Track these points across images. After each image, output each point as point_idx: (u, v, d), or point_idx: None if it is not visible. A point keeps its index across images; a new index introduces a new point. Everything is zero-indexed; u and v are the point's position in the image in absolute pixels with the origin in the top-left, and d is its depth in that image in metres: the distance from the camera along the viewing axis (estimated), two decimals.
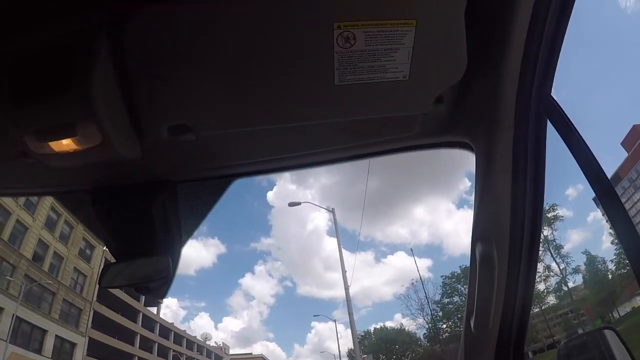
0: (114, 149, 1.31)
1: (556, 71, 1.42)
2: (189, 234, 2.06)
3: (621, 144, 42.74)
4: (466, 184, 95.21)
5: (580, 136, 1.41)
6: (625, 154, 42.77)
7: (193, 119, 1.42)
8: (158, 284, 2.01)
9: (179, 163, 1.77)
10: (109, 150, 1.31)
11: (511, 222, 1.64)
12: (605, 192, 1.36)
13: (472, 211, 1.88)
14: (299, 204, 30.57)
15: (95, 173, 1.70)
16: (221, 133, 1.53)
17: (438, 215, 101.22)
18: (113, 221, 1.81)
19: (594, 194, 1.42)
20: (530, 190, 1.59)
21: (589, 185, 1.37)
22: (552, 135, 1.51)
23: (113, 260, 1.87)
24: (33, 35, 1.17)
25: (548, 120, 1.49)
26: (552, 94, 1.46)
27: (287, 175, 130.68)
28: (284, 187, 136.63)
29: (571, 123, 1.44)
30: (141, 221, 1.79)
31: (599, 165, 1.36)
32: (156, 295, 2.15)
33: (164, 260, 1.81)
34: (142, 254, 1.83)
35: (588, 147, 1.39)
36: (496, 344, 1.86)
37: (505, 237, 1.67)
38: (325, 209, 31.08)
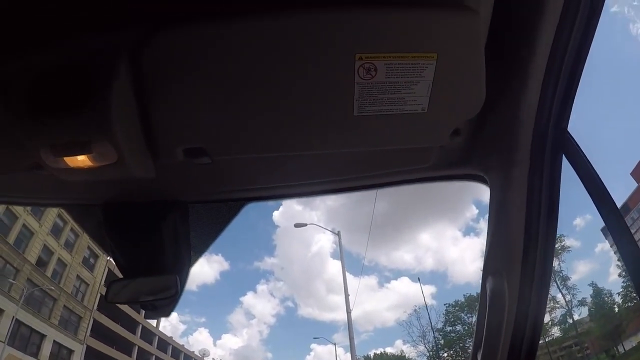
0: (128, 168, 1.30)
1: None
2: (198, 254, 2.08)
3: (631, 174, 42.38)
4: (473, 212, 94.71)
5: (595, 171, 1.40)
6: (635, 185, 42.37)
7: (209, 143, 1.42)
8: (164, 303, 2.03)
9: (192, 184, 1.80)
10: (123, 169, 1.30)
11: (523, 258, 1.64)
12: (616, 225, 1.37)
13: (478, 239, 1.94)
14: (305, 225, 30.56)
15: (108, 189, 1.73)
16: (237, 157, 1.54)
17: (444, 242, 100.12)
18: (122, 237, 1.83)
19: (602, 225, 1.46)
20: (544, 227, 1.59)
21: (601, 218, 1.36)
22: (564, 166, 1.51)
23: (117, 271, 1.90)
24: (56, 51, 1.18)
25: (564, 155, 1.49)
26: (568, 130, 1.46)
27: None
28: (290, 207, 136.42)
29: (586, 158, 1.43)
30: (151, 239, 1.82)
31: (612, 199, 1.37)
32: (162, 313, 2.20)
33: (172, 279, 1.84)
34: (150, 272, 1.86)
35: (602, 182, 1.38)
36: None
37: (517, 274, 1.66)
38: (331, 232, 31.04)
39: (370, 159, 1.70)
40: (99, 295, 47.58)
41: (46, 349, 38.59)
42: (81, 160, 1.23)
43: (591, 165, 1.41)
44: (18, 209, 36.46)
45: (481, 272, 1.95)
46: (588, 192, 1.39)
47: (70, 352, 42.48)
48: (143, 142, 1.33)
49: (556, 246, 1.66)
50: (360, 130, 1.39)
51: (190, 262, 2.00)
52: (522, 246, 1.62)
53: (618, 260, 41.81)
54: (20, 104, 1.16)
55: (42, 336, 38.45)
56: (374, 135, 1.44)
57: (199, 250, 2.07)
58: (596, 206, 1.37)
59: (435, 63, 1.19)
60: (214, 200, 1.92)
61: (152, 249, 1.83)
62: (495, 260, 1.81)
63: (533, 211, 1.57)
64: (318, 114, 1.33)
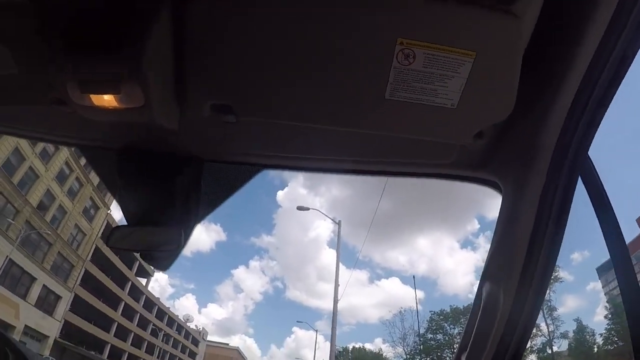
0: (153, 114, 1.30)
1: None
2: (204, 214, 2.05)
3: (636, 220, 41.85)
4: (474, 226, 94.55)
5: (608, 199, 1.42)
6: (639, 231, 41.92)
7: (238, 101, 1.42)
8: (165, 255, 2.07)
9: (212, 142, 1.77)
10: (148, 115, 1.30)
11: (522, 270, 1.63)
12: (623, 262, 1.39)
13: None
14: (307, 209, 30.50)
15: (126, 134, 1.71)
16: (261, 121, 1.54)
17: (440, 250, 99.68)
18: (134, 184, 1.81)
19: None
20: (548, 243, 1.57)
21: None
22: (578, 193, 1.51)
23: (116, 224, 1.92)
24: None
25: (580, 177, 1.49)
26: (588, 153, 1.45)
27: (300, 178, 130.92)
28: (295, 189, 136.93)
29: (601, 184, 1.45)
30: (162, 191, 1.80)
31: (620, 230, 1.40)
32: (160, 265, 2.21)
33: (177, 233, 1.82)
34: (156, 223, 1.86)
35: (614, 213, 1.40)
36: None
37: (514, 283, 1.66)
38: (332, 220, 30.99)
39: (392, 145, 1.70)
40: (94, 246, 48.34)
41: (35, 291, 39.39)
42: (107, 99, 1.22)
43: (605, 193, 1.43)
44: (27, 151, 37.18)
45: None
46: (598, 218, 1.41)
47: (58, 298, 43.35)
48: (172, 90, 1.34)
49: None
50: (389, 114, 1.39)
51: (196, 220, 2.00)
52: (524, 258, 1.62)
53: (607, 302, 41.61)
54: (56, 37, 1.16)
55: (33, 279, 39.23)
56: (401, 122, 1.45)
57: (206, 210, 2.03)
58: (603, 234, 1.40)
59: (473, 61, 1.21)
60: (231, 161, 1.89)
61: (161, 201, 1.82)
62: (495, 266, 1.81)
63: (540, 226, 1.56)
64: (350, 90, 1.34)
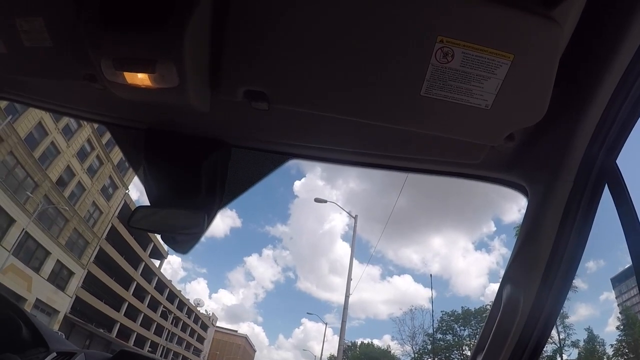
0: (186, 96, 1.31)
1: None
2: (228, 200, 2.05)
3: None
4: (490, 228, 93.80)
5: (634, 207, 1.38)
6: None
7: (272, 89, 1.41)
8: (186, 238, 2.07)
9: (242, 128, 1.78)
10: (181, 96, 1.31)
11: (544, 273, 1.62)
12: None
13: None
14: (325, 201, 30.61)
15: (156, 114, 1.73)
16: (293, 110, 1.52)
17: (454, 251, 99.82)
18: (160, 166, 1.82)
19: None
20: (571, 249, 1.57)
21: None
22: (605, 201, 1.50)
23: (133, 206, 1.87)
24: None
25: (607, 186, 1.47)
26: (616, 162, 1.45)
27: (317, 170, 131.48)
28: (312, 180, 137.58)
29: (628, 193, 1.42)
30: (188, 173, 1.81)
31: None
32: (181, 248, 2.18)
33: (200, 217, 1.82)
34: (179, 205, 1.86)
35: (639, 220, 1.36)
36: None
37: (535, 288, 1.65)
38: (348, 214, 30.95)
39: (422, 142, 1.68)
40: (110, 224, 48.87)
41: (48, 266, 39.99)
42: (141, 78, 1.23)
43: (631, 202, 1.38)
44: (50, 126, 37.59)
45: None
46: (622, 227, 1.36)
47: (71, 273, 43.94)
48: (207, 73, 1.33)
49: None
50: (422, 110, 1.38)
51: (220, 205, 2.00)
52: (546, 263, 1.61)
53: (620, 313, 41.17)
54: (94, 12, 1.15)
55: (47, 253, 39.82)
56: (434, 119, 1.43)
57: (230, 196, 2.04)
58: (628, 243, 1.35)
59: (510, 64, 1.20)
60: (258, 148, 1.89)
61: (186, 183, 1.83)
62: (517, 270, 1.79)
63: (564, 232, 1.56)
64: (385, 85, 1.32)
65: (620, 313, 41.55)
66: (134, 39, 1.16)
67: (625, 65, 1.21)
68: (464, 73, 1.24)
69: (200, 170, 1.80)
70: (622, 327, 38.97)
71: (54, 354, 2.40)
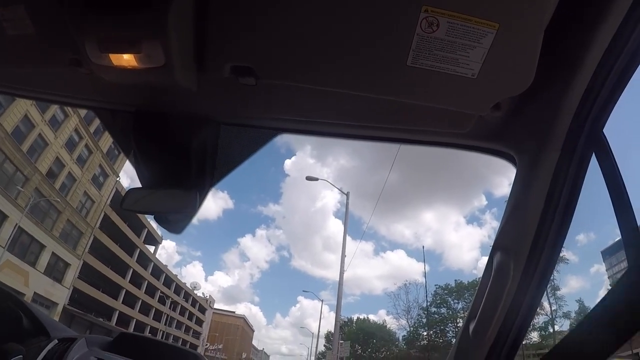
0: (172, 75, 1.31)
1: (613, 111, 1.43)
2: (220, 177, 2.04)
3: None
4: (482, 202, 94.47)
5: (622, 179, 1.40)
6: None
7: (259, 63, 1.41)
8: (179, 218, 2.08)
9: (230, 105, 1.77)
10: (167, 75, 1.31)
11: (534, 239, 1.64)
12: (633, 242, 1.34)
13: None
14: (316, 179, 30.74)
15: (143, 96, 1.71)
16: (280, 84, 1.53)
17: (446, 225, 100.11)
18: (150, 147, 1.81)
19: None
20: (559, 215, 1.59)
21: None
22: (593, 170, 1.52)
23: (125, 193, 1.89)
24: None
25: (594, 154, 1.49)
26: (604, 131, 1.46)
27: (307, 147, 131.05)
28: (302, 158, 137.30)
29: (615, 161, 1.43)
30: (178, 153, 1.80)
31: (632, 208, 1.35)
32: (174, 228, 2.19)
33: (192, 195, 1.81)
34: (171, 185, 1.86)
35: (627, 193, 1.38)
36: (487, 352, 1.83)
37: (525, 253, 1.67)
38: (340, 190, 31.03)
39: (409, 112, 1.69)
40: (102, 213, 48.68)
41: (44, 259, 39.84)
42: (127, 59, 1.22)
43: (619, 171, 1.40)
44: (36, 118, 36.96)
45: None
46: (610, 197, 1.38)
47: (67, 265, 43.83)
48: (193, 51, 1.33)
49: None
50: (409, 80, 1.40)
51: (211, 183, 2.00)
52: (535, 231, 1.63)
53: (610, 285, 41.76)
54: None
55: (42, 246, 39.63)
56: (421, 89, 1.45)
57: (221, 173, 2.03)
58: (615, 211, 1.36)
59: (495, 33, 1.21)
60: (248, 125, 1.89)
61: (177, 163, 1.82)
62: (507, 237, 1.83)
63: (553, 200, 1.58)
64: (372, 55, 1.33)
65: (610, 285, 42.17)
66: (118, 19, 1.16)
67: (612, 34, 1.22)
68: (449, 42, 1.26)
69: (190, 149, 1.80)
70: None
71: (56, 341, 2.46)
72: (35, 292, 38.07)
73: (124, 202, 1.84)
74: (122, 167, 51.53)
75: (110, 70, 1.27)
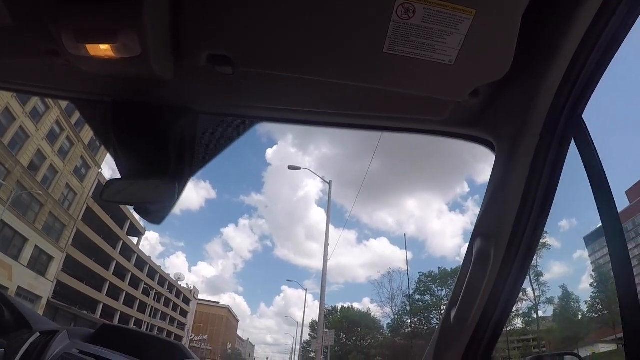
0: (149, 64, 1.31)
1: (592, 96, 1.44)
2: (199, 166, 2.04)
3: (626, 192, 41.94)
4: (464, 189, 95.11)
5: (600, 162, 1.44)
6: (627, 204, 42.16)
7: (235, 52, 1.41)
8: (159, 208, 2.06)
9: (208, 94, 1.76)
10: (144, 65, 1.31)
11: (514, 225, 1.65)
12: (612, 227, 1.41)
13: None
14: (299, 168, 31.10)
15: (121, 86, 1.69)
16: (258, 72, 1.53)
17: (429, 212, 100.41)
18: (128, 137, 1.80)
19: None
20: (539, 200, 1.60)
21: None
22: (573, 157, 1.54)
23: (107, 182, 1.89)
24: None
25: (573, 140, 1.51)
26: (582, 117, 1.48)
27: (288, 136, 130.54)
28: (284, 148, 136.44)
29: (594, 147, 1.47)
30: (157, 143, 1.79)
31: (611, 193, 1.42)
32: (154, 219, 2.17)
33: (172, 185, 1.81)
34: (150, 175, 1.85)
35: (605, 175, 1.42)
36: (469, 339, 1.86)
37: (505, 238, 1.68)
38: (322, 179, 31.15)
39: (387, 99, 1.69)
40: (85, 205, 48.08)
41: (27, 252, 39.32)
42: (103, 49, 1.23)
43: (598, 156, 1.45)
44: (17, 111, 36.26)
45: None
46: (590, 183, 1.43)
47: (50, 258, 43.33)
48: (169, 40, 1.33)
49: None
50: (387, 67, 1.40)
51: (190, 173, 2.00)
52: (515, 216, 1.65)
53: (593, 271, 42.65)
54: None
55: (25, 240, 39.12)
56: (398, 76, 1.46)
57: (200, 163, 2.03)
58: (595, 197, 1.42)
59: (472, 19, 1.21)
60: (226, 113, 1.89)
61: (156, 153, 1.82)
62: (487, 224, 1.84)
63: (532, 186, 1.60)
64: (349, 43, 1.34)
65: (593, 271, 42.94)
66: (94, 9, 1.16)
67: (590, 18, 1.22)
68: (425, 29, 1.25)
69: (168, 139, 1.79)
70: (595, 284, 40.56)
71: (38, 334, 2.47)
72: (19, 286, 37.61)
73: (104, 194, 1.83)
74: (104, 158, 50.79)
75: (87, 60, 1.28)
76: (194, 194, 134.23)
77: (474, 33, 1.25)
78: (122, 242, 59.45)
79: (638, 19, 1.23)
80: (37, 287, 41.12)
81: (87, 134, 45.79)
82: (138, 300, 65.70)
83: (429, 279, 58.18)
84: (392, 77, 1.47)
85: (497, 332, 1.82)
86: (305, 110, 1.86)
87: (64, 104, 37.37)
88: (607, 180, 1.41)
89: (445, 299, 53.24)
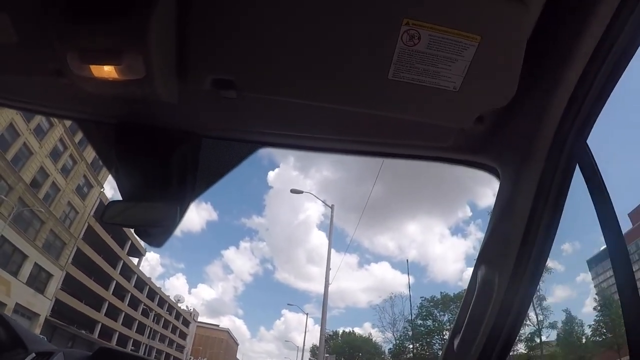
0: (153, 87, 1.30)
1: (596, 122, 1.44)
2: (201, 190, 2.03)
3: (629, 214, 41.85)
4: (466, 213, 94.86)
5: (606, 190, 1.43)
6: (630, 226, 41.95)
7: (240, 77, 1.41)
8: (160, 231, 2.06)
9: (211, 118, 1.76)
10: (148, 88, 1.30)
11: (518, 255, 1.63)
12: (618, 250, 1.40)
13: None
14: (301, 192, 30.74)
15: (124, 108, 1.69)
16: (262, 97, 1.53)
17: (430, 237, 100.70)
18: (131, 159, 1.79)
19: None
20: (544, 229, 1.57)
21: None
22: (577, 183, 1.53)
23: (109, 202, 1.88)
24: None
25: (578, 166, 1.50)
26: (587, 142, 1.47)
27: (290, 159, 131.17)
28: (285, 170, 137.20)
29: (599, 173, 1.46)
30: (159, 166, 1.78)
31: (618, 224, 1.40)
32: (155, 242, 2.17)
33: (173, 209, 1.81)
34: (151, 198, 1.84)
35: (611, 203, 1.41)
36: None
37: (509, 269, 1.65)
38: (324, 203, 30.97)
39: (392, 126, 1.69)
40: (86, 224, 48.04)
41: (26, 269, 39.12)
42: (107, 70, 1.22)
43: (603, 181, 1.44)
44: (21, 127, 36.55)
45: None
46: (595, 208, 1.42)
47: (50, 276, 43.06)
48: (174, 63, 1.33)
49: None
50: (391, 94, 1.40)
51: (192, 197, 1.99)
52: (519, 243, 1.62)
53: (596, 294, 42.17)
54: (59, 5, 1.14)
55: (25, 256, 38.93)
56: (403, 103, 1.46)
57: (202, 187, 2.03)
58: (600, 224, 1.40)
59: (477, 46, 1.22)
60: (229, 138, 1.89)
61: (158, 176, 1.81)
62: (491, 251, 1.83)
63: (537, 213, 1.58)
64: (353, 69, 1.34)
65: (597, 294, 42.49)
66: (100, 31, 1.16)
67: (593, 47, 1.23)
68: (431, 55, 1.26)
69: (171, 162, 1.78)
70: (599, 307, 39.98)
71: (33, 355, 2.37)
72: (17, 303, 37.31)
73: (105, 215, 1.83)
74: (106, 178, 50.96)
75: (91, 81, 1.27)
76: (195, 215, 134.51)
77: (478, 60, 1.26)
78: (122, 262, 59.11)
79: None
80: (36, 304, 40.77)
81: (90, 152, 45.89)
82: (137, 321, 65.04)
83: (431, 303, 57.50)
84: (397, 104, 1.47)
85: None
86: (308, 136, 1.85)
87: (67, 122, 37.72)
88: (612, 205, 1.40)
89: (448, 323, 52.71)
